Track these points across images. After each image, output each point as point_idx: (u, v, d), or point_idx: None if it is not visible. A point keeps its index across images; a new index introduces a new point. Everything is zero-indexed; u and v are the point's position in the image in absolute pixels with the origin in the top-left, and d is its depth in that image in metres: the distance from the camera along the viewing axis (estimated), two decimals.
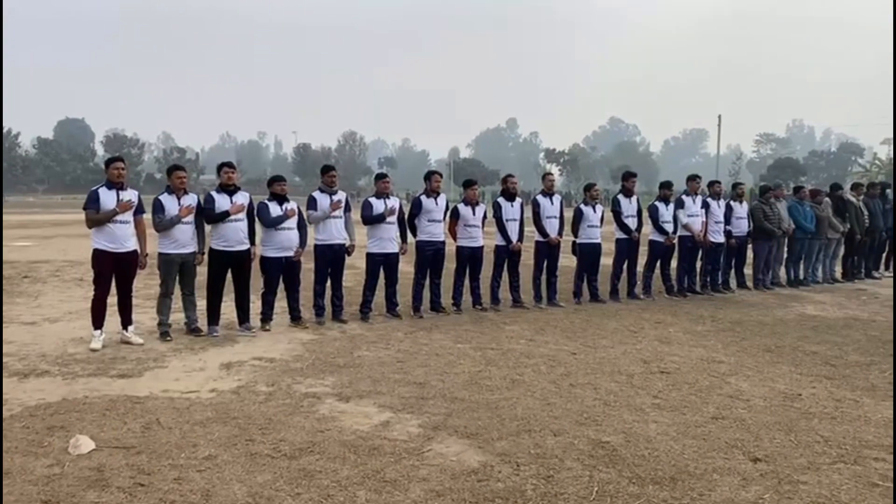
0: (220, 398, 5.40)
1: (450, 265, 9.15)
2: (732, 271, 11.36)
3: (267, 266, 7.90)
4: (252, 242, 7.77)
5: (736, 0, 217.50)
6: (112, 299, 7.10)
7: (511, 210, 9.33)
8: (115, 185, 6.97)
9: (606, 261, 10.27)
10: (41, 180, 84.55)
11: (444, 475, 4.00)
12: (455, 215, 9.10)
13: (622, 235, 10.18)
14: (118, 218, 6.88)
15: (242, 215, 7.61)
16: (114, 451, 4.28)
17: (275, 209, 7.88)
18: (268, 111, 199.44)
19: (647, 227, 10.49)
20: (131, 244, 7.04)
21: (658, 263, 10.52)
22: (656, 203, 10.55)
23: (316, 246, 8.32)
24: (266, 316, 7.94)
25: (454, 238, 9.14)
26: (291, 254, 7.92)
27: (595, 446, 4.48)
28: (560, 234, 9.66)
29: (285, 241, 7.87)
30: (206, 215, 7.54)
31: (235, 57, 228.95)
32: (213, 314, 7.65)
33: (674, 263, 10.75)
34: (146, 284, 9.72)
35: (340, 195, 8.44)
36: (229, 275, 7.70)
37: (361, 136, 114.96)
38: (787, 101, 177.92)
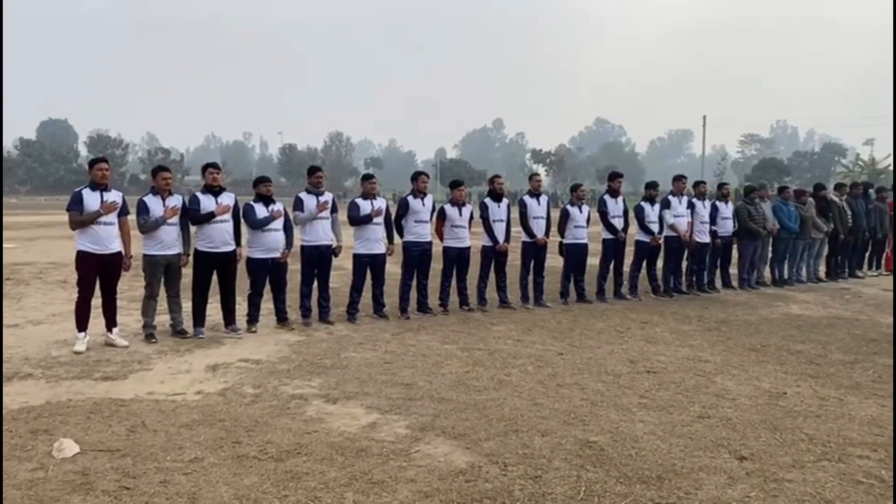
0: (206, 400, 5.37)
1: (437, 266, 9.15)
2: (718, 271, 11.42)
3: (253, 267, 7.86)
4: (238, 244, 7.73)
5: (721, 2, 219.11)
6: (96, 301, 7.04)
7: (498, 210, 9.34)
8: (99, 186, 6.91)
9: (593, 261, 10.31)
10: (23, 181, 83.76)
11: (432, 476, 4.00)
12: (442, 216, 9.10)
13: (608, 236, 10.21)
14: (102, 219, 6.83)
15: (228, 216, 7.57)
16: (98, 454, 4.24)
17: (261, 210, 7.85)
18: (253, 111, 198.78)
19: (634, 228, 10.54)
20: (116, 246, 6.98)
21: (644, 263, 10.56)
22: (642, 203, 10.60)
23: (302, 247, 8.29)
24: (252, 317, 7.90)
25: (441, 239, 9.14)
26: (278, 255, 7.89)
27: (582, 446, 4.49)
28: (547, 234, 9.67)
29: (271, 242, 7.84)
30: (192, 216, 7.49)
31: (220, 57, 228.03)
32: (199, 316, 7.60)
33: (660, 263, 10.80)
34: (131, 286, 9.65)
35: (327, 196, 8.41)
36: (215, 276, 7.65)
37: (348, 136, 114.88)
38: (772, 102, 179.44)
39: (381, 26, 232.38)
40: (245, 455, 4.26)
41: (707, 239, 10.94)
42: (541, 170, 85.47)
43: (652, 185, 11.03)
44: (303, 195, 8.36)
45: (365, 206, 8.50)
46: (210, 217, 7.45)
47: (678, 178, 11.07)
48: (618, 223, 10.16)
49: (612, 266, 10.28)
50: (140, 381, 5.87)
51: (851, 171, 63.36)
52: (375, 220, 8.47)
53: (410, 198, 8.92)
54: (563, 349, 7.20)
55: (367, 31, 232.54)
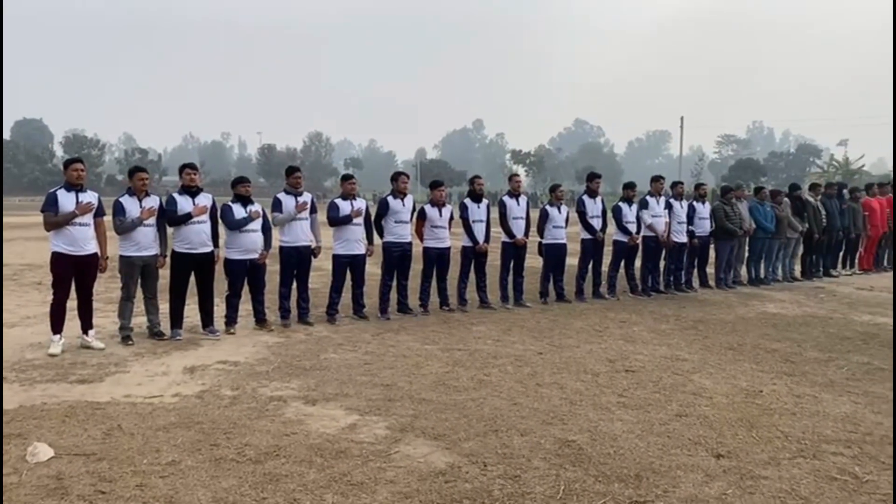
0: (183, 402, 5.32)
1: (417, 266, 9.14)
2: (695, 271, 11.53)
3: (231, 268, 7.81)
4: (216, 245, 7.68)
5: (698, 5, 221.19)
6: (72, 303, 6.95)
7: (478, 211, 9.36)
8: (74, 186, 6.83)
9: (572, 261, 10.36)
10: None
11: (412, 477, 4.00)
12: (422, 216, 9.09)
13: (587, 236, 10.27)
14: (77, 220, 6.74)
15: (205, 217, 7.51)
16: (73, 458, 4.19)
17: (239, 211, 7.80)
18: (232, 111, 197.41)
19: (612, 228, 10.60)
20: (91, 247, 6.90)
21: (622, 263, 10.63)
22: (620, 204, 10.67)
23: (281, 248, 8.25)
24: (230, 319, 7.85)
25: (421, 239, 9.14)
26: (256, 256, 7.84)
27: (561, 445, 4.51)
28: (526, 234, 9.71)
29: (249, 243, 7.79)
30: (169, 218, 7.43)
31: (198, 57, 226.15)
32: (177, 317, 7.53)
33: (638, 263, 10.88)
34: (107, 288, 9.55)
35: (306, 196, 8.38)
36: (193, 278, 7.59)
37: (327, 136, 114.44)
38: (748, 103, 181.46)
39: (360, 27, 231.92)
40: (223, 458, 4.23)
41: (684, 239, 11.03)
42: (521, 170, 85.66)
43: (630, 186, 11.12)
44: (281, 196, 8.32)
45: (344, 207, 8.47)
46: (187, 218, 7.39)
47: (656, 179, 11.16)
48: (596, 223, 10.22)
49: (590, 266, 10.34)
50: (116, 384, 5.80)
51: (826, 172, 64.16)
52: (355, 220, 8.45)
53: (390, 198, 8.91)
54: (542, 349, 7.23)
55: (346, 31, 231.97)
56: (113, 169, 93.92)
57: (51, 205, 6.72)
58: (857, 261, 14.32)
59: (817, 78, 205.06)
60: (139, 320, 7.60)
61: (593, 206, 10.30)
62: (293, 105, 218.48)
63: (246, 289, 7.96)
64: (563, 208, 10.16)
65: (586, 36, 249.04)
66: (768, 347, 7.43)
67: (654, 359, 6.87)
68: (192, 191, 7.54)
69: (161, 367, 6.38)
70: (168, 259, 7.50)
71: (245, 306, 8.15)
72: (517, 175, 10.52)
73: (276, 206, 8.27)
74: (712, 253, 11.81)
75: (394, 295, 8.95)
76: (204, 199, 7.57)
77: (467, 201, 9.46)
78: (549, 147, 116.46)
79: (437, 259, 9.09)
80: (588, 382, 6.00)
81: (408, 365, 6.48)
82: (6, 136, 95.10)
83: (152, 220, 7.29)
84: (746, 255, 12.29)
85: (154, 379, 5.98)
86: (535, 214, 10.06)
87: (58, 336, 6.80)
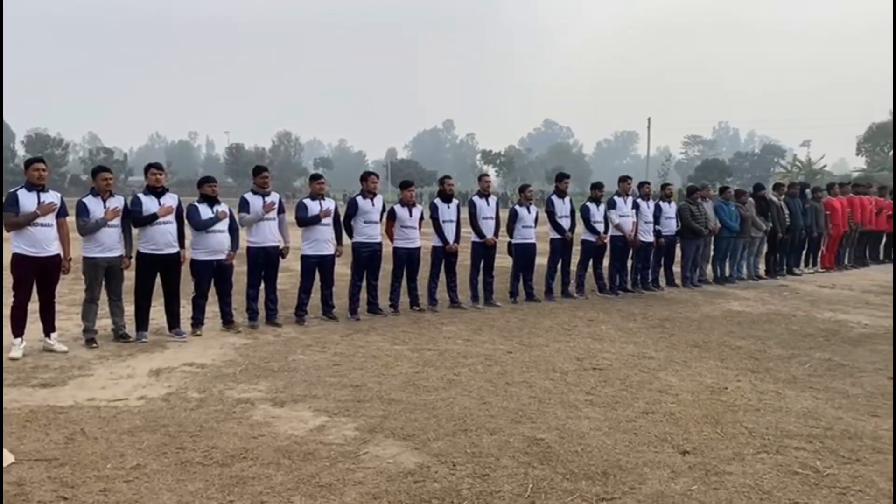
0: (149, 406, 5.25)
1: (387, 266, 9.13)
2: (662, 269, 11.67)
3: (197, 269, 7.72)
4: (181, 245, 7.59)
5: (667, 7, 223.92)
6: (34, 305, 6.80)
7: (447, 211, 9.37)
8: (36, 186, 6.69)
9: (541, 260, 10.42)
10: None
11: (381, 477, 3.99)
12: (392, 216, 9.08)
13: (556, 235, 10.34)
14: (39, 221, 6.60)
15: (171, 218, 7.41)
16: (35, 463, 4.11)
17: (205, 211, 7.71)
18: (199, 111, 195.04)
19: (580, 228, 10.69)
20: (54, 248, 6.77)
21: (591, 262, 10.73)
22: (588, 204, 10.76)
23: (249, 248, 8.18)
24: (197, 320, 7.75)
25: (391, 239, 9.12)
26: (223, 257, 7.76)
27: (530, 443, 4.54)
28: (496, 234, 9.75)
29: (216, 244, 7.71)
30: (134, 218, 7.32)
31: (166, 55, 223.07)
32: (142, 319, 7.43)
33: (606, 262, 10.98)
34: (71, 290, 9.37)
35: (273, 196, 8.31)
36: (158, 279, 7.49)
37: (296, 136, 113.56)
38: (714, 104, 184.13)
39: (331, 26, 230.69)
40: (189, 461, 4.18)
41: (651, 238, 11.16)
42: (491, 171, 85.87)
43: (598, 186, 11.22)
44: (248, 196, 8.24)
45: (313, 207, 8.43)
46: (152, 219, 7.29)
47: (623, 179, 11.28)
48: (565, 223, 10.30)
49: (559, 265, 10.41)
50: (80, 388, 5.70)
51: (790, 172, 65.34)
52: (324, 220, 8.41)
53: (360, 198, 8.87)
54: (512, 348, 7.26)
55: (317, 30, 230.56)
56: (77, 169, 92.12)
57: (11, 205, 6.57)
58: (819, 259, 14.61)
59: (781, 79, 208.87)
60: (103, 322, 7.47)
61: (562, 206, 10.37)
62: (262, 104, 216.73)
63: (213, 290, 7.88)
64: (533, 208, 10.22)
65: (555, 37, 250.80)
66: (733, 345, 7.55)
67: (621, 357, 6.94)
68: (157, 191, 7.44)
69: (126, 369, 6.28)
70: (133, 260, 7.39)
71: (212, 308, 8.06)
72: (487, 175, 10.57)
73: (244, 206, 8.19)
74: (678, 252, 11.97)
75: (364, 295, 8.91)
76: (169, 200, 7.47)
77: (437, 201, 9.47)
78: (519, 147, 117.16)
79: (407, 259, 9.08)
80: (556, 381, 6.04)
81: (377, 365, 6.47)
82: None
83: (117, 221, 7.17)
84: (712, 254, 12.46)
85: (119, 382, 5.89)
86: (504, 214, 10.10)
87: (19, 339, 6.66)
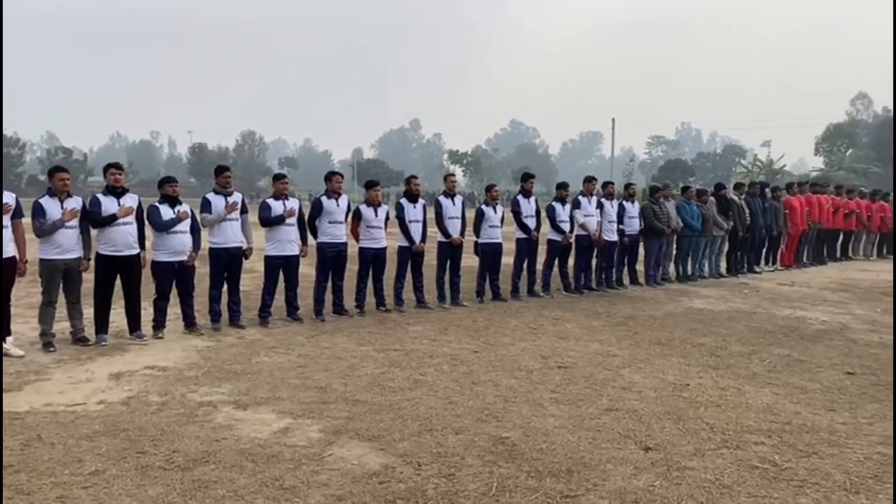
0: (108, 410, 5.15)
1: (353, 267, 9.08)
2: (625, 268, 11.80)
3: (158, 271, 7.60)
4: (142, 247, 7.46)
5: (632, 9, 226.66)
6: None
7: (414, 211, 9.36)
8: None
9: (507, 260, 10.46)
10: None
11: (345, 479, 3.97)
12: (357, 216, 9.04)
13: (522, 235, 10.39)
14: None
15: (131, 218, 7.29)
16: None
17: (166, 212, 7.59)
18: (162, 110, 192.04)
19: (546, 227, 10.76)
20: (9, 250, 6.60)
21: (556, 262, 10.80)
22: (554, 203, 10.83)
23: (211, 249, 8.07)
24: (158, 323, 7.63)
25: (356, 239, 9.08)
26: (184, 258, 7.65)
27: (495, 442, 4.55)
28: (462, 234, 9.76)
29: (177, 244, 7.60)
30: (92, 219, 7.18)
31: (128, 53, 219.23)
32: (102, 322, 7.28)
33: (571, 262, 11.07)
34: (28, 293, 9.13)
35: (236, 196, 8.22)
36: (118, 281, 7.36)
37: (261, 135, 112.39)
38: (677, 105, 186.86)
39: (297, 25, 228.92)
40: (150, 465, 4.11)
41: (615, 237, 11.28)
42: (458, 170, 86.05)
43: (563, 186, 11.30)
44: (210, 196, 8.14)
45: (277, 207, 8.35)
46: (112, 219, 7.16)
47: (588, 180, 11.38)
48: (531, 223, 10.35)
49: (525, 265, 10.47)
50: (36, 393, 5.57)
51: (750, 172, 66.51)
52: (288, 220, 8.34)
53: (324, 198, 8.82)
54: (478, 347, 7.28)
55: (282, 28, 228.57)
56: (35, 169, 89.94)
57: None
58: (778, 257, 14.91)
59: (743, 81, 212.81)
60: (62, 326, 7.32)
61: (528, 206, 10.43)
62: (226, 103, 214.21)
63: (175, 292, 7.76)
64: (499, 208, 10.26)
65: (522, 39, 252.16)
66: (695, 342, 7.67)
67: (585, 355, 7.00)
68: (117, 191, 7.32)
69: (85, 373, 6.15)
70: (92, 262, 7.25)
71: (174, 310, 7.94)
72: (452, 175, 10.58)
73: (205, 206, 8.08)
74: (642, 251, 12.11)
75: (329, 296, 8.86)
76: (129, 200, 7.35)
77: (403, 201, 9.45)
78: (485, 147, 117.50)
79: (372, 259, 9.04)
80: (522, 379, 6.07)
81: (343, 367, 6.43)
82: None
83: (75, 222, 7.03)
84: (674, 252, 12.64)
85: (77, 386, 5.77)
86: (471, 214, 10.12)
87: None
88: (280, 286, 8.48)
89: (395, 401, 5.41)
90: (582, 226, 10.85)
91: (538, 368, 6.44)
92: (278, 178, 8.80)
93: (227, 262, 8.09)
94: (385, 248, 9.15)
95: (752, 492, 3.89)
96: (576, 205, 10.94)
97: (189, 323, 7.84)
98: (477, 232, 10.12)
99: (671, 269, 12.63)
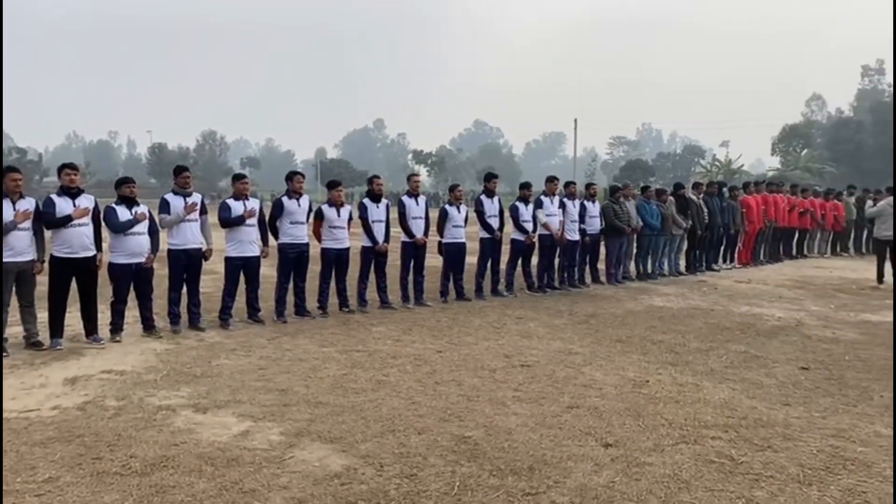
0: (63, 415, 5.04)
1: (314, 267, 9.02)
2: (587, 267, 11.92)
3: (116, 273, 7.45)
4: (98, 249, 7.32)
5: (595, 10, 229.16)
6: None
7: (377, 211, 9.33)
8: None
9: (471, 259, 10.49)
10: None
11: (306, 481, 3.94)
12: (319, 216, 8.98)
13: (485, 235, 10.43)
14: None
15: (87, 220, 7.14)
16: None
17: (123, 213, 7.46)
18: (120, 109, 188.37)
19: (509, 227, 10.81)
20: None
21: (519, 261, 10.87)
22: (517, 203, 10.90)
23: (170, 251, 7.95)
24: (116, 326, 7.49)
25: (318, 240, 9.02)
26: (142, 260, 7.52)
27: (458, 442, 4.56)
28: (426, 234, 9.76)
29: (135, 246, 7.47)
30: (46, 220, 7.01)
31: (85, 51, 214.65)
32: (57, 326, 7.12)
33: (534, 261, 11.15)
34: None
35: (195, 197, 8.10)
36: (74, 284, 7.20)
37: (222, 135, 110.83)
38: (639, 106, 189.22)
39: (260, 24, 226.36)
40: (106, 471, 4.03)
41: (577, 237, 11.39)
42: (422, 170, 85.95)
43: (526, 186, 11.38)
44: (169, 196, 8.01)
45: (237, 208, 8.25)
46: (67, 221, 7.01)
47: (550, 180, 11.47)
48: (494, 223, 10.39)
49: (489, 264, 10.51)
50: None
51: (709, 172, 67.63)
52: (248, 221, 8.25)
53: (285, 198, 8.75)
54: (441, 347, 7.28)
55: (244, 27, 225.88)
56: None
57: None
58: (736, 255, 15.20)
59: (702, 81, 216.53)
60: (14, 330, 7.14)
61: (491, 206, 10.47)
62: (186, 103, 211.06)
63: (133, 294, 7.62)
64: (463, 208, 10.29)
65: (485, 39, 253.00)
66: (654, 339, 7.78)
67: (548, 353, 7.06)
68: (72, 192, 7.16)
69: (39, 378, 6.01)
70: (46, 265, 7.08)
71: (132, 312, 7.80)
72: (416, 175, 10.57)
73: (164, 207, 7.95)
74: (603, 250, 12.25)
75: (290, 297, 8.78)
76: (85, 201, 7.20)
77: (366, 201, 9.41)
78: (450, 147, 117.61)
79: (335, 260, 8.99)
80: (485, 378, 6.09)
81: (304, 369, 6.38)
82: None
83: (28, 224, 6.86)
84: (635, 251, 12.81)
85: (31, 392, 5.63)
86: (434, 214, 10.13)
87: None
88: (241, 287, 8.38)
89: (358, 402, 5.39)
90: (544, 225, 10.92)
91: (501, 367, 6.48)
92: (238, 178, 8.70)
93: (186, 264, 7.97)
94: (348, 249, 9.11)
95: (710, 486, 3.96)
96: (538, 204, 11.02)
97: (147, 326, 7.71)
98: (441, 232, 10.13)
99: (632, 267, 12.80)
